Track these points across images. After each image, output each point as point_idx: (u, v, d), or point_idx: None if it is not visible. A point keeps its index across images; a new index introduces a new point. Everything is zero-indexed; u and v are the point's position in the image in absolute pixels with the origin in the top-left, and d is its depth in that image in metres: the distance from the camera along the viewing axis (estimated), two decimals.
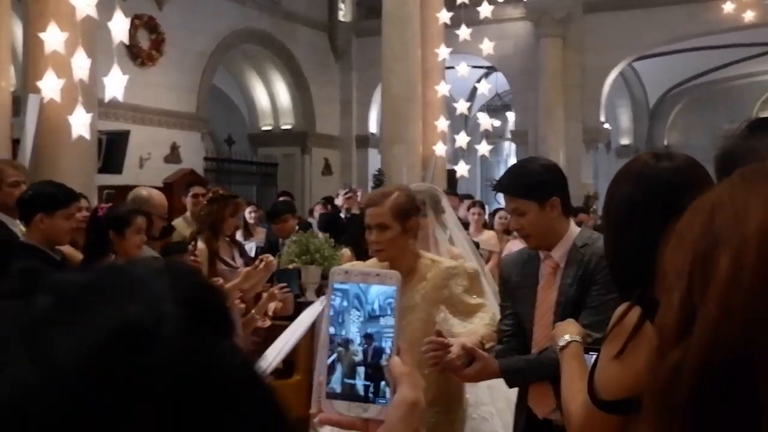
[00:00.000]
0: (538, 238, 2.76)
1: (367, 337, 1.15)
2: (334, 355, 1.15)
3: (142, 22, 13.55)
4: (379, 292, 1.17)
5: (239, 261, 4.88)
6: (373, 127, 18.35)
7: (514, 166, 3.03)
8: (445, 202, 4.51)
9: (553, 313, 2.71)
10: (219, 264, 4.76)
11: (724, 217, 0.70)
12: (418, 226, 3.14)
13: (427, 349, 2.64)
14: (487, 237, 8.16)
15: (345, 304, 1.16)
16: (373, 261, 3.15)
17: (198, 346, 0.56)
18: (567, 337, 2.17)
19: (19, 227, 4.36)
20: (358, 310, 1.16)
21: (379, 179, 13.75)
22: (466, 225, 8.20)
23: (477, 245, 6.71)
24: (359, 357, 1.15)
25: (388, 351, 1.15)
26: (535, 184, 2.72)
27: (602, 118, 18.06)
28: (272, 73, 17.25)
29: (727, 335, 0.66)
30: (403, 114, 13.51)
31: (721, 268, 0.67)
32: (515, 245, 8.01)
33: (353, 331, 1.15)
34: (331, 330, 1.16)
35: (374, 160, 17.62)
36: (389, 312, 1.16)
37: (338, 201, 10.19)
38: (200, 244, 4.73)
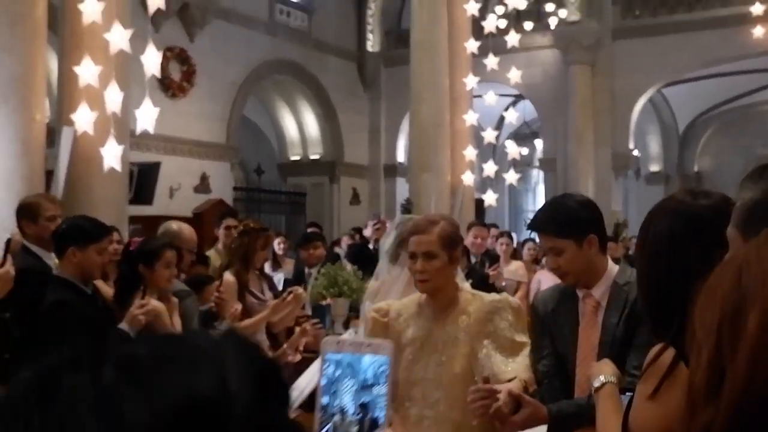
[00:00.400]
0: (576, 276, 2.67)
1: (363, 407, 1.14)
2: (329, 426, 1.14)
3: (173, 54, 13.76)
4: (371, 362, 1.17)
5: (268, 294, 4.90)
6: (401, 156, 18.40)
7: (548, 203, 2.88)
8: None
9: (596, 353, 2.60)
10: (248, 297, 4.78)
11: (752, 277, 0.71)
12: (459, 258, 3.06)
13: (475, 398, 2.49)
14: (515, 267, 8.11)
15: (338, 373, 1.16)
16: (408, 299, 3.05)
17: (267, 425, 0.57)
18: (602, 378, 2.14)
19: (53, 260, 4.42)
20: (351, 379, 1.15)
21: (407, 208, 13.74)
22: (495, 257, 8.17)
23: (487, 277, 6.69)
24: (355, 428, 1.14)
25: (382, 420, 1.14)
26: (571, 221, 2.62)
27: (631, 145, 17.97)
28: (301, 103, 17.40)
29: (756, 392, 0.66)
30: (431, 142, 13.54)
31: (750, 326, 0.68)
32: (544, 275, 7.95)
33: (347, 400, 1.15)
34: (324, 400, 1.15)
35: (402, 189, 17.63)
36: (382, 381, 1.16)
37: (367, 232, 10.18)
38: (229, 276, 4.75)
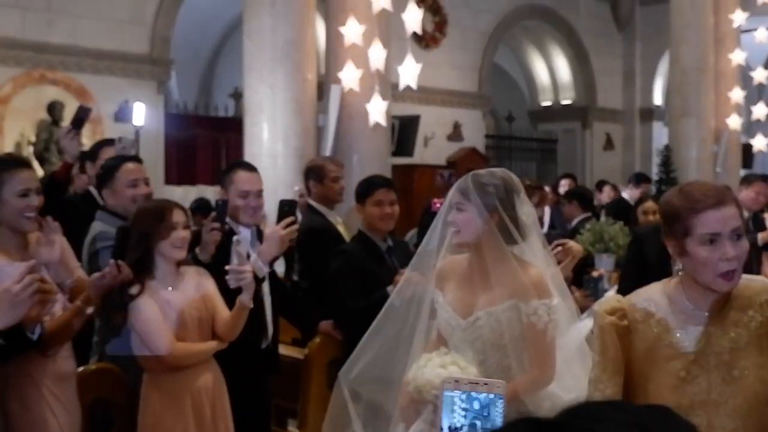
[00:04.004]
0: None
1: None
2: None
3: (426, 5, 13.98)
4: (487, 401, 1.21)
5: None
6: (657, 99, 17.55)
7: None
8: (523, 195, 2.87)
9: None
10: None
11: None
12: None
13: None
14: None
15: (458, 413, 1.21)
16: (650, 291, 2.24)
17: None
18: None
19: (335, 218, 4.78)
20: (472, 418, 1.22)
21: (666, 155, 13.15)
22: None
23: None
24: None
25: None
26: None
27: None
28: (552, 48, 17.06)
29: None
30: (692, 85, 12.82)
31: None
32: None
33: None
34: None
35: (659, 133, 16.87)
36: (499, 421, 1.20)
37: (626, 194, 9.73)
38: None
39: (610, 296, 2.36)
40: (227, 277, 3.25)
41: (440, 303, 2.82)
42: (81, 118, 4.17)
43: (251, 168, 4.02)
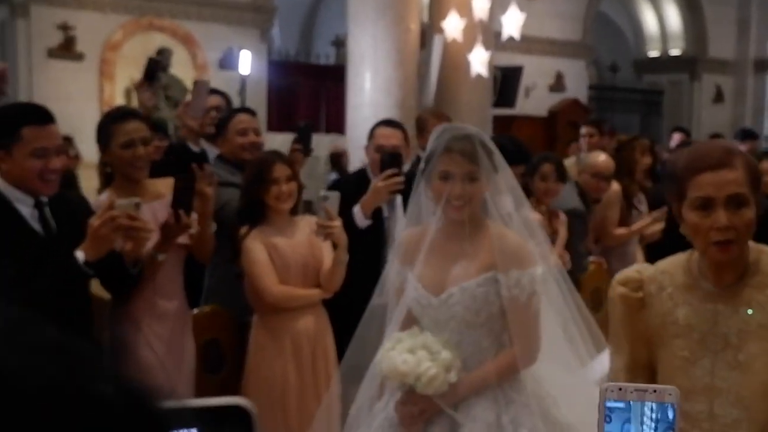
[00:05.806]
0: None
1: None
2: None
3: None
4: (656, 410, 1.12)
5: (643, 207, 4.98)
6: None
7: None
8: (498, 155, 2.56)
9: None
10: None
11: None
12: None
13: None
14: None
15: (623, 424, 1.11)
16: (670, 263, 2.01)
17: None
18: None
19: None
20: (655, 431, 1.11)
21: None
22: None
23: None
24: None
25: None
26: None
27: None
28: None
29: None
30: None
31: None
32: None
33: None
34: None
35: None
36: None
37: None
38: (616, 186, 4.94)
39: (633, 266, 2.12)
40: (315, 231, 3.34)
41: (408, 280, 2.53)
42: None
43: (393, 124, 4.07)
